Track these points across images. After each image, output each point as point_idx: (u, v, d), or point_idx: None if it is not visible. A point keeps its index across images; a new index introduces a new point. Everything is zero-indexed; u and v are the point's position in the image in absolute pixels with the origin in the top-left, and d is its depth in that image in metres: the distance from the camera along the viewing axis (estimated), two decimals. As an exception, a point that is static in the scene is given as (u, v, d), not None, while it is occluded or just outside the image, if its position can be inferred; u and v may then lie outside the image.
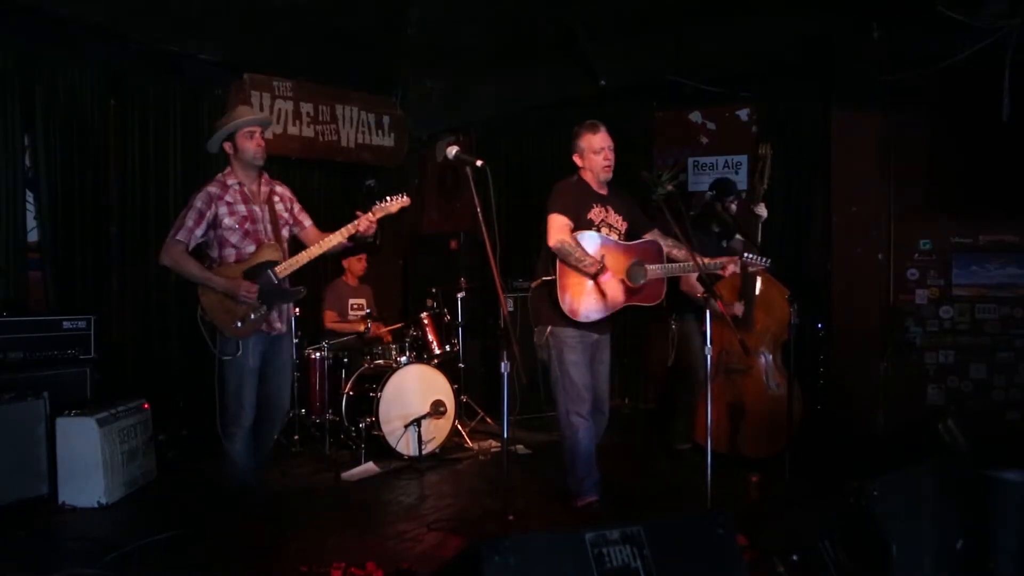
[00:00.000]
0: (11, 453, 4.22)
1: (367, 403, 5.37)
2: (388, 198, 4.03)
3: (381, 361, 5.73)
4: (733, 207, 5.45)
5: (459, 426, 5.92)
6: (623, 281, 4.06)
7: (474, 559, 2.08)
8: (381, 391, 5.29)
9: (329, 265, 7.28)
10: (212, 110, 6.47)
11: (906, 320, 6.02)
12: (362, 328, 5.93)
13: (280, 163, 7.03)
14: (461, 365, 6.44)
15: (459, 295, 6.49)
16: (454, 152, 3.53)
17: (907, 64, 5.59)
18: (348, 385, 5.65)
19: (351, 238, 3.99)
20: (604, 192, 4.20)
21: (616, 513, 4.01)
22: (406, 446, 5.32)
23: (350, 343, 6.07)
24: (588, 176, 4.18)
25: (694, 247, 4.09)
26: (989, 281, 5.86)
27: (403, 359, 5.59)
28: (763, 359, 5.13)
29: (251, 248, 3.95)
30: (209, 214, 3.88)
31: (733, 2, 5.73)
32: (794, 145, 6.55)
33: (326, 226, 7.48)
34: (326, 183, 7.59)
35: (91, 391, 4.99)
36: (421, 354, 5.84)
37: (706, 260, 4.18)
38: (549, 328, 4.07)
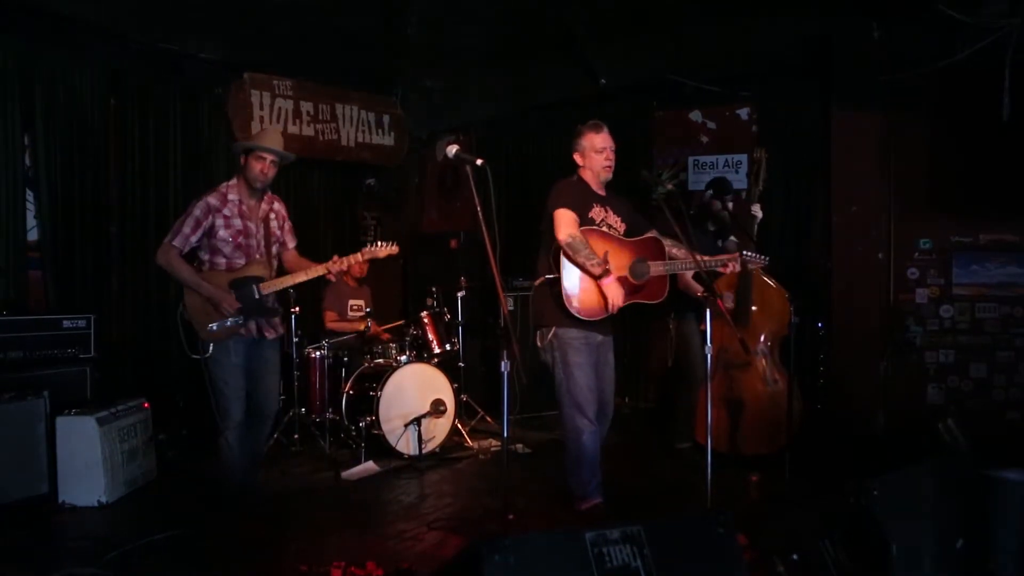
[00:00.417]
0: (11, 452, 4.22)
1: (367, 402, 5.37)
2: (380, 243, 4.26)
3: (381, 360, 5.73)
4: (731, 206, 5.46)
5: (459, 425, 5.92)
6: (627, 280, 4.03)
7: (474, 558, 2.08)
8: (381, 390, 5.30)
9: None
10: (212, 109, 6.48)
11: (906, 319, 6.02)
12: (362, 327, 5.94)
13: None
14: (461, 364, 6.43)
15: (459, 294, 6.49)
16: (454, 151, 3.53)
17: (907, 64, 5.58)
18: (348, 384, 5.65)
19: (338, 275, 4.25)
20: (603, 193, 4.19)
21: (616, 513, 4.01)
22: (406, 445, 5.33)
23: (350, 342, 6.07)
24: (588, 176, 4.16)
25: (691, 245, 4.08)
26: (989, 280, 5.86)
27: (403, 358, 5.60)
28: (762, 356, 5.12)
29: (241, 261, 4.11)
30: (205, 224, 4.04)
31: (733, 2, 5.73)
32: (794, 145, 6.54)
33: (326, 225, 7.56)
34: (326, 182, 7.59)
35: (91, 390, 4.99)
36: (421, 353, 5.84)
37: (707, 258, 4.17)
38: (553, 330, 4.03)
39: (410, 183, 8.43)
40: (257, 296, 4.07)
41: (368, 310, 6.16)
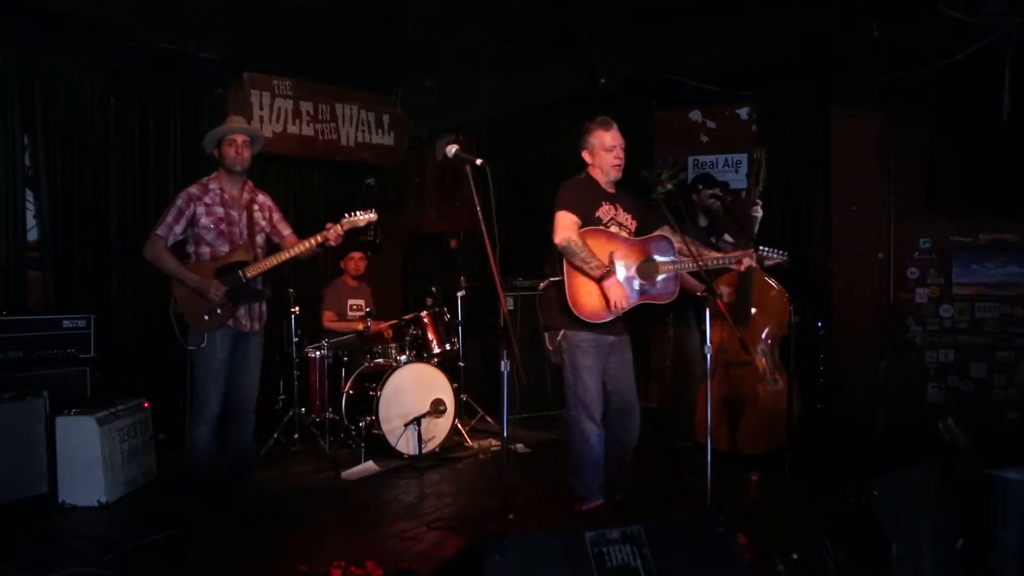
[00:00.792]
0: (11, 452, 4.22)
1: (367, 402, 5.37)
2: (358, 212, 4.28)
3: (381, 360, 5.73)
4: (711, 197, 5.46)
5: (459, 425, 5.92)
6: (639, 280, 3.98)
7: (474, 558, 2.08)
8: (381, 390, 5.30)
9: (330, 265, 7.29)
10: (212, 109, 6.47)
11: (906, 319, 6.03)
12: (361, 327, 5.94)
13: (280, 162, 7.04)
14: (461, 364, 6.43)
15: (459, 294, 6.49)
16: (454, 151, 3.52)
17: (907, 64, 5.59)
18: (348, 384, 5.65)
19: (321, 246, 4.23)
20: (612, 191, 4.12)
21: (616, 512, 4.01)
22: (406, 445, 5.33)
23: (350, 342, 6.07)
24: (596, 174, 4.09)
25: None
26: (989, 280, 5.86)
27: (403, 358, 5.60)
28: (763, 356, 5.12)
29: (225, 248, 4.16)
30: (188, 212, 4.11)
31: (733, 1, 5.72)
32: (794, 144, 6.54)
33: (326, 225, 7.53)
34: (326, 182, 7.59)
35: (91, 390, 4.99)
36: (421, 353, 5.84)
37: (719, 255, 4.11)
38: (562, 332, 4.00)
39: (410, 183, 8.43)
40: (244, 280, 4.12)
41: (368, 310, 6.17)
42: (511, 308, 6.50)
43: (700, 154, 7.00)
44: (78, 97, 5.69)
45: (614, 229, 4.04)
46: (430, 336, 5.91)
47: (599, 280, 3.87)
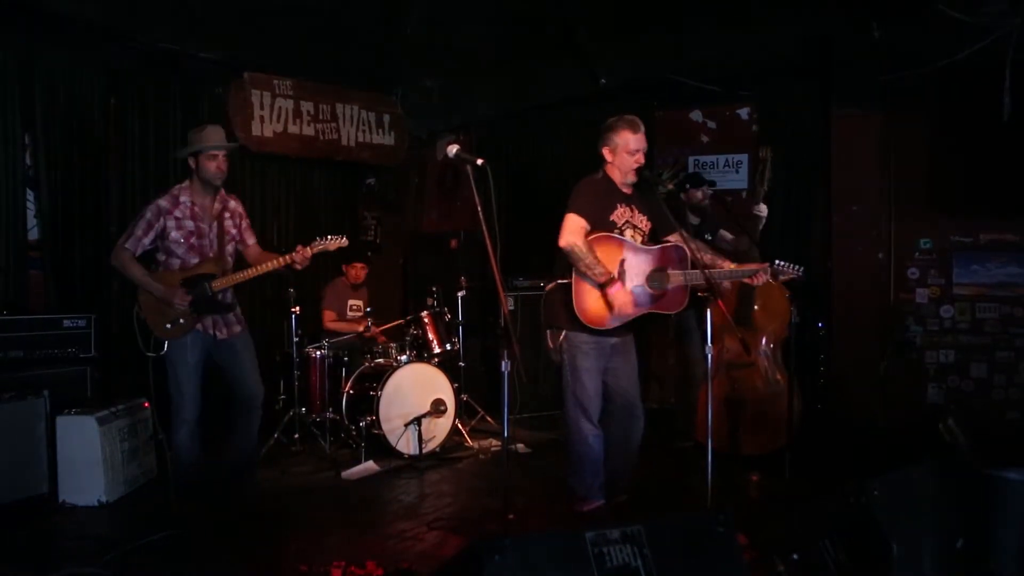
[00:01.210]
0: (11, 452, 4.22)
1: (367, 402, 5.37)
2: (329, 237, 4.27)
3: (381, 360, 5.73)
4: (699, 195, 5.45)
5: (459, 425, 5.92)
6: (649, 289, 3.92)
7: (474, 558, 2.08)
8: (381, 390, 5.30)
9: (330, 265, 7.29)
10: (212, 109, 6.47)
11: (906, 319, 6.03)
12: (361, 328, 5.94)
13: (280, 162, 7.05)
14: (461, 364, 6.43)
15: (459, 294, 6.49)
16: (454, 151, 3.51)
17: (907, 64, 5.59)
18: (348, 384, 5.65)
19: (287, 268, 4.23)
20: (629, 192, 4.03)
21: (616, 512, 4.01)
22: (406, 445, 5.33)
23: (350, 342, 6.07)
24: (614, 173, 3.99)
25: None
26: (989, 280, 5.87)
27: (403, 358, 5.60)
28: (764, 356, 5.13)
29: (195, 260, 4.16)
30: (157, 226, 4.10)
31: (734, 1, 5.73)
32: (794, 144, 6.54)
33: (326, 225, 7.54)
34: (326, 182, 7.59)
35: (91, 390, 4.99)
36: (421, 353, 5.83)
37: (734, 267, 4.03)
38: (564, 333, 3.96)
39: (410, 183, 8.43)
40: (209, 293, 4.11)
41: (368, 310, 6.17)
42: (511, 308, 6.50)
43: (700, 154, 7.00)
44: (78, 97, 5.69)
45: (628, 233, 3.96)
46: (430, 336, 5.91)
47: (602, 287, 3.80)
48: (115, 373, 5.46)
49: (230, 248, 4.29)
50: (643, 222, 4.05)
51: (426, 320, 5.92)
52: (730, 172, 6.81)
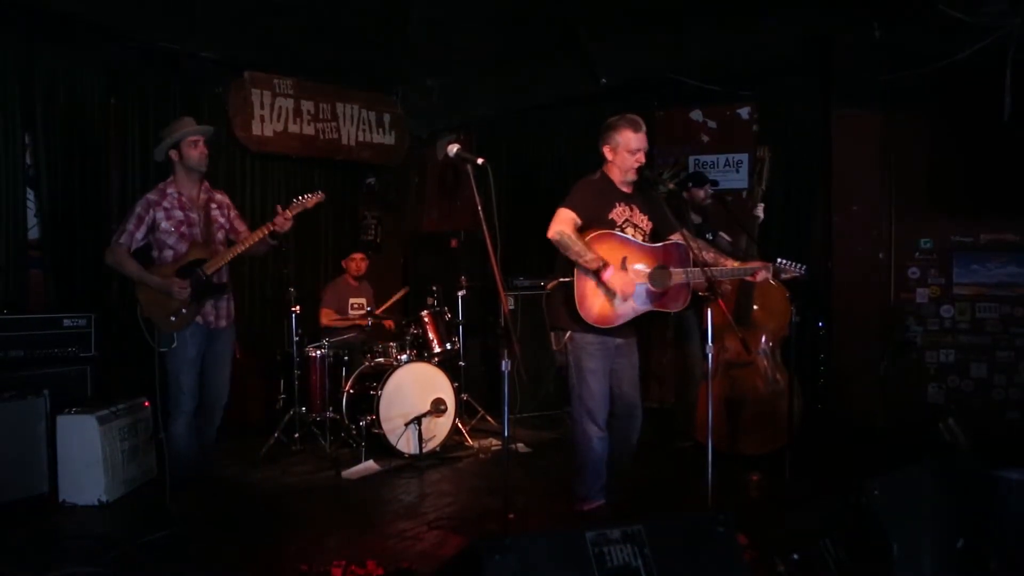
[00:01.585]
0: (11, 451, 4.22)
1: (368, 401, 5.37)
2: (305, 196, 4.37)
3: (382, 359, 5.73)
4: (701, 194, 5.45)
5: (459, 424, 5.92)
6: (650, 287, 3.89)
7: (474, 558, 2.08)
8: (382, 389, 5.30)
9: (330, 265, 7.30)
10: (213, 108, 6.48)
11: (907, 319, 6.03)
12: (362, 323, 5.95)
13: (280, 161, 7.04)
14: (462, 363, 6.43)
15: (460, 293, 6.49)
16: (455, 150, 3.51)
17: (907, 64, 5.59)
18: (348, 383, 5.65)
19: (274, 235, 4.28)
20: (628, 191, 4.01)
21: (616, 512, 4.01)
22: (406, 444, 5.33)
23: (351, 341, 6.08)
24: (614, 173, 3.97)
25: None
26: (990, 280, 5.87)
27: (404, 357, 5.60)
28: (764, 356, 5.13)
29: (185, 248, 4.22)
30: (148, 218, 4.19)
31: (734, 1, 5.73)
32: (794, 144, 6.55)
33: (327, 224, 7.55)
34: (326, 181, 7.56)
35: (91, 389, 5.00)
36: (422, 352, 5.84)
37: (736, 265, 4.03)
38: (569, 333, 3.94)
39: (410, 182, 8.43)
40: (204, 278, 4.18)
41: (369, 309, 6.17)
42: (512, 308, 6.50)
43: (701, 154, 7.00)
44: (78, 96, 5.69)
45: (629, 231, 3.95)
46: (431, 335, 5.91)
47: (596, 273, 3.77)
48: (115, 372, 5.46)
49: (220, 236, 4.37)
50: (644, 221, 4.04)
51: (426, 320, 5.93)
52: (730, 172, 6.81)
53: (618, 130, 3.91)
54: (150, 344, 4.12)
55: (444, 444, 5.60)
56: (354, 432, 5.46)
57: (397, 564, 3.42)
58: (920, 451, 3.26)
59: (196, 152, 4.25)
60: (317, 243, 7.44)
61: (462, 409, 6.23)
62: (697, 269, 3.88)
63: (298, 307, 5.69)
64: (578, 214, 3.84)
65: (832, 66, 5.96)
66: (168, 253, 4.20)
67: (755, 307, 5.12)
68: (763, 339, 5.13)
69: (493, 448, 5.70)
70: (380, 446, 5.32)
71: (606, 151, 3.98)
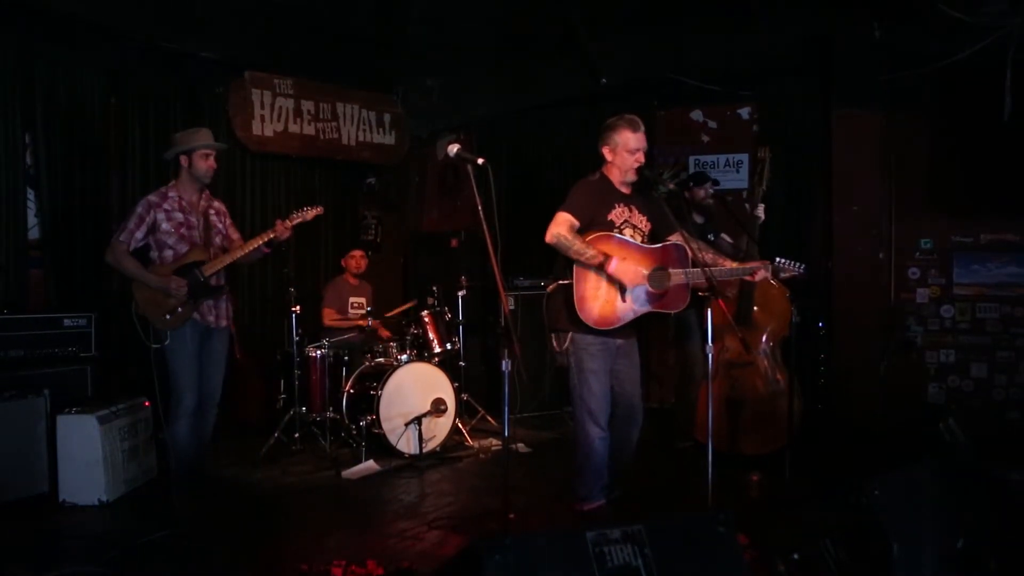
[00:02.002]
0: (12, 451, 4.23)
1: (368, 401, 5.37)
2: (305, 208, 4.58)
3: (382, 359, 5.73)
4: (702, 193, 5.45)
5: (460, 424, 5.92)
6: (650, 288, 3.89)
7: (475, 557, 2.08)
8: (382, 389, 5.30)
9: (330, 265, 7.30)
10: (213, 109, 6.48)
11: (907, 319, 6.03)
12: (363, 323, 5.95)
13: (281, 161, 7.05)
14: (462, 363, 6.44)
15: (460, 293, 6.49)
16: (455, 150, 3.51)
17: (907, 64, 5.59)
18: (349, 383, 5.65)
19: (269, 243, 4.39)
20: (627, 191, 4.02)
21: (617, 512, 4.01)
22: (407, 444, 5.33)
23: (351, 341, 6.08)
24: (613, 173, 3.98)
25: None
26: (990, 280, 5.87)
27: (404, 357, 5.60)
28: (764, 356, 5.12)
29: (185, 249, 4.29)
30: (148, 219, 4.24)
31: (734, 1, 5.73)
32: (795, 144, 6.55)
33: (327, 224, 7.55)
34: (327, 181, 7.59)
35: (92, 389, 5.00)
36: (422, 352, 5.84)
37: (735, 265, 4.03)
38: (570, 335, 3.94)
39: (411, 182, 8.43)
40: (201, 279, 4.23)
41: (369, 308, 6.17)
42: (512, 308, 6.50)
43: (701, 154, 7.01)
44: (79, 96, 5.69)
45: (628, 232, 3.95)
46: (431, 335, 5.91)
47: (601, 267, 3.77)
48: (116, 372, 5.46)
49: (217, 240, 4.44)
50: (643, 222, 4.04)
51: (426, 320, 5.93)
52: (730, 172, 6.82)
53: (617, 130, 3.93)
54: (144, 340, 4.15)
55: (444, 444, 5.60)
56: (354, 432, 5.46)
57: (397, 564, 3.42)
58: (920, 451, 3.25)
59: (205, 164, 4.34)
60: (317, 243, 7.44)
61: (462, 409, 6.23)
62: (696, 270, 3.88)
63: (298, 307, 5.70)
64: (576, 217, 3.84)
65: (832, 66, 5.96)
66: (168, 253, 4.24)
67: (755, 307, 5.12)
68: (763, 339, 5.13)
69: (493, 448, 5.70)
70: (380, 446, 5.33)
71: (605, 152, 3.99)
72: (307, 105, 6.96)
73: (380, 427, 5.28)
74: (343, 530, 3.99)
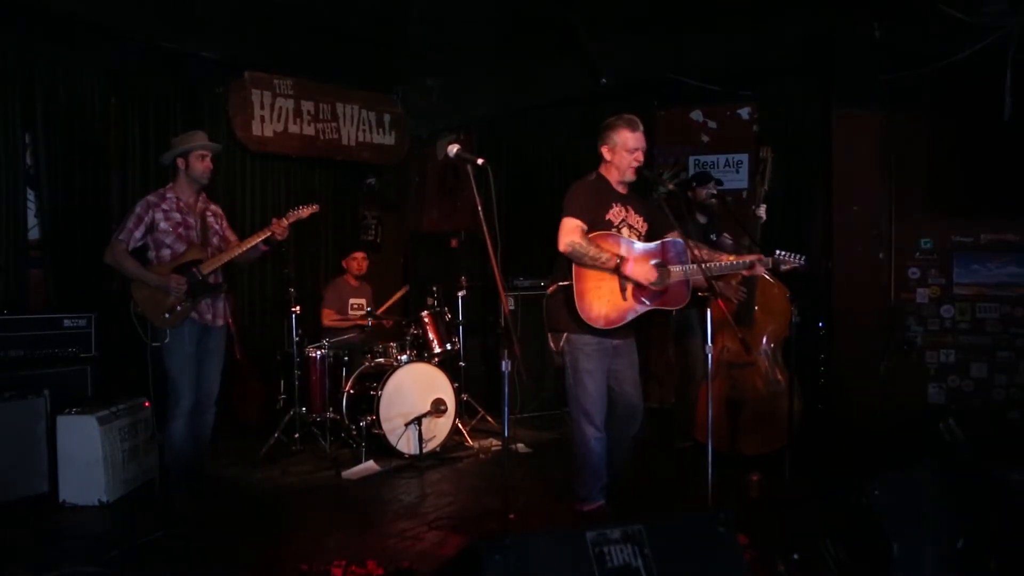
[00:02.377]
0: (12, 451, 4.23)
1: (368, 401, 5.37)
2: (301, 207, 4.63)
3: (382, 359, 5.73)
4: (705, 193, 5.45)
5: (459, 424, 5.91)
6: (646, 287, 3.88)
7: (475, 558, 2.08)
8: (382, 389, 5.30)
9: (330, 265, 7.30)
10: (212, 109, 6.48)
11: (907, 319, 6.03)
12: (363, 323, 5.95)
13: (281, 161, 7.04)
14: (462, 363, 6.44)
15: (460, 293, 6.49)
16: (455, 151, 3.51)
17: (907, 64, 5.59)
18: (349, 383, 5.65)
19: (267, 241, 4.42)
20: (624, 191, 4.02)
21: (617, 512, 4.01)
22: (407, 444, 5.33)
23: (351, 341, 6.08)
24: (611, 173, 3.99)
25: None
26: (990, 280, 5.87)
27: (404, 357, 5.60)
28: (764, 356, 5.12)
29: (183, 248, 4.32)
30: (147, 218, 4.26)
31: (735, 1, 5.73)
32: (795, 144, 6.55)
33: (327, 224, 7.55)
34: (327, 181, 7.59)
35: (92, 389, 5.00)
36: (422, 352, 5.84)
37: (732, 259, 4.03)
38: (566, 335, 3.95)
39: (410, 182, 8.43)
40: (200, 277, 4.26)
41: (369, 309, 6.18)
42: (512, 308, 6.50)
43: (701, 154, 7.01)
44: (79, 96, 5.70)
45: (625, 232, 3.96)
46: (431, 336, 5.91)
47: (616, 270, 3.78)
48: (116, 372, 5.46)
49: (215, 241, 4.47)
50: (639, 222, 4.05)
51: (426, 320, 5.93)
52: (730, 172, 6.81)
53: (616, 130, 3.93)
54: (143, 339, 4.17)
55: (444, 444, 5.60)
56: (354, 432, 5.46)
57: (397, 564, 3.42)
58: (920, 451, 3.25)
59: (202, 165, 4.37)
60: (317, 243, 7.44)
61: (462, 409, 6.23)
62: (695, 265, 3.89)
63: (298, 307, 5.70)
64: (583, 220, 3.85)
65: (832, 66, 5.96)
66: (166, 252, 4.26)
67: (756, 307, 5.12)
68: (764, 339, 5.13)
69: (493, 448, 5.70)
70: (380, 446, 5.33)
71: (604, 151, 3.99)
72: (307, 105, 6.96)
73: (380, 427, 5.28)
74: (343, 530, 3.99)
